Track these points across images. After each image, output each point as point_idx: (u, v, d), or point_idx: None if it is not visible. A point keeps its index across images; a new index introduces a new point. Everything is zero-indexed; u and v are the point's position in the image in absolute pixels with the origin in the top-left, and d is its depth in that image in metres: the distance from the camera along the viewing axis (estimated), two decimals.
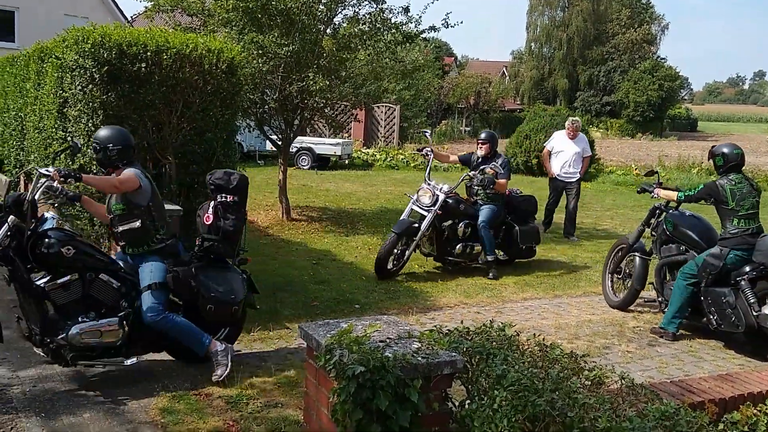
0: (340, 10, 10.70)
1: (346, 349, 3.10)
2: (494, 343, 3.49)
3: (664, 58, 56.73)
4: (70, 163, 6.12)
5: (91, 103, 6.07)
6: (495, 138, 9.02)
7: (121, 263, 4.93)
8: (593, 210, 14.41)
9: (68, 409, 4.40)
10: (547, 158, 11.38)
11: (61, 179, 4.49)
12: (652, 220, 7.17)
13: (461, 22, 11.50)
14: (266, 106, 10.87)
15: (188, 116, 6.51)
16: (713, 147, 6.58)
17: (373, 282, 7.89)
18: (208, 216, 5.07)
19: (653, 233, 7.15)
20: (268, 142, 12.70)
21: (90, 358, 4.72)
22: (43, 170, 4.62)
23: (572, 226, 11.21)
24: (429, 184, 8.35)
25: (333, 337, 3.24)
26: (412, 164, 21.71)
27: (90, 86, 6.04)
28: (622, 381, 3.36)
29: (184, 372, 5.07)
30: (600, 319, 7.02)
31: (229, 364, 4.85)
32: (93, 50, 5.93)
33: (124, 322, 4.74)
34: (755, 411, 3.78)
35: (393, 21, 10.82)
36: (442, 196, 8.18)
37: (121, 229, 4.86)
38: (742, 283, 5.98)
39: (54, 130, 6.75)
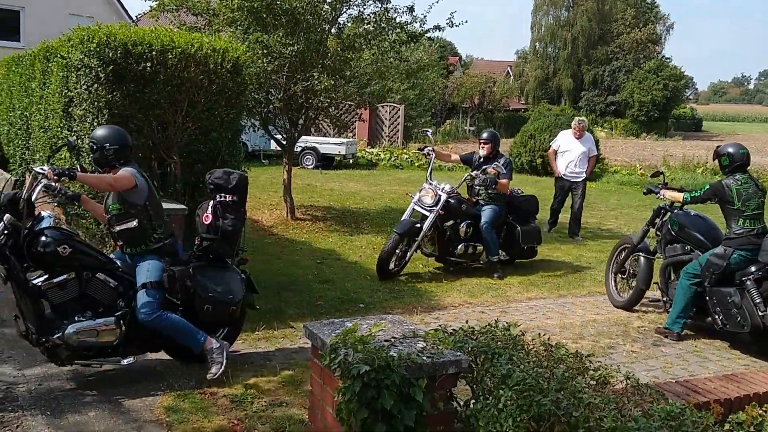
0: (344, 10, 10.71)
1: (351, 348, 3.10)
2: (499, 343, 3.49)
3: (668, 58, 56.60)
4: (75, 161, 6.12)
5: (96, 103, 6.08)
6: (497, 138, 8.98)
7: (118, 262, 4.91)
8: (598, 210, 14.40)
9: (74, 408, 4.42)
10: (553, 157, 11.37)
11: (55, 177, 4.48)
12: (657, 221, 7.15)
13: (466, 22, 11.48)
14: (271, 106, 10.88)
15: (193, 116, 6.52)
16: (718, 147, 6.57)
17: (377, 281, 7.89)
18: (207, 215, 5.04)
19: (658, 233, 7.14)
20: (272, 141, 12.71)
21: (86, 358, 4.70)
22: (37, 168, 4.61)
23: (577, 226, 11.19)
24: (431, 184, 8.32)
25: (338, 336, 3.25)
26: (416, 164, 21.70)
27: (95, 85, 6.05)
28: (628, 381, 3.36)
29: (189, 371, 5.07)
30: (604, 318, 7.01)
31: (224, 362, 4.82)
32: (98, 49, 5.94)
33: (121, 322, 4.71)
34: (761, 411, 3.77)
35: (397, 20, 10.83)
36: (444, 196, 8.14)
37: (118, 228, 4.84)
38: (748, 283, 5.97)
39: (59, 129, 6.76)
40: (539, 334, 3.79)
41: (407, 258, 8.13)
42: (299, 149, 19.19)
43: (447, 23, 11.17)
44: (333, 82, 10.18)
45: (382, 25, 10.63)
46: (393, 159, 22.33)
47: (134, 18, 26.44)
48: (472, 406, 3.22)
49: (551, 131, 19.23)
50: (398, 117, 27.13)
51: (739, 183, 6.18)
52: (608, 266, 7.71)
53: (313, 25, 10.10)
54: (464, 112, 46.83)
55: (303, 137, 12.60)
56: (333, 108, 11.78)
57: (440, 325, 3.71)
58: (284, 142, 11.48)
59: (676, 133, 53.38)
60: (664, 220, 7.05)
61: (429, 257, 8.64)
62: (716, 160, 6.52)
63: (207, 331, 5.11)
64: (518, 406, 2.92)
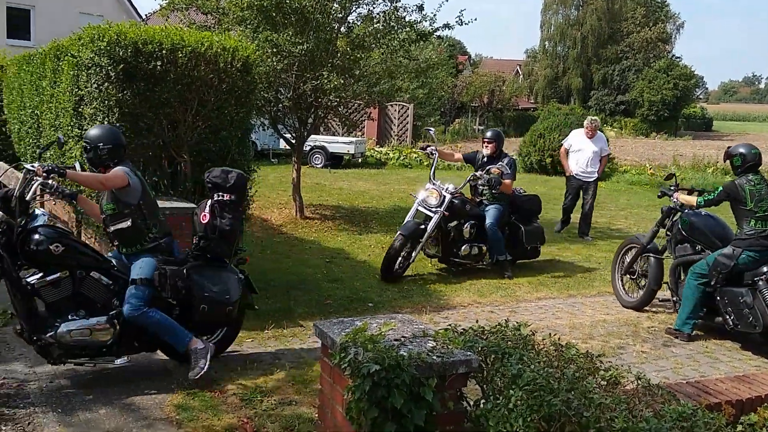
0: (354, 9, 10.71)
1: (361, 347, 3.09)
2: (509, 343, 3.48)
3: (679, 57, 56.30)
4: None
5: (106, 101, 6.09)
6: (501, 137, 8.89)
7: (114, 261, 4.90)
8: (607, 209, 14.35)
9: (84, 406, 4.44)
10: (564, 156, 11.33)
11: (44, 174, 4.47)
12: (667, 221, 7.12)
13: (475, 19, 11.45)
14: (280, 105, 10.89)
15: (203, 114, 6.53)
16: (729, 148, 6.54)
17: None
18: (205, 215, 5.00)
19: (668, 233, 7.11)
20: (281, 140, 12.72)
21: (80, 357, 4.68)
22: (28, 165, 4.60)
23: (587, 226, 11.16)
24: (434, 184, 8.23)
25: (348, 335, 3.24)
26: (425, 163, 21.67)
27: (106, 84, 6.06)
28: (638, 381, 3.34)
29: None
30: (614, 319, 6.99)
31: (207, 363, 4.74)
32: (109, 48, 5.96)
33: (115, 321, 4.69)
34: None
35: (407, 19, 10.81)
36: (448, 197, 8.06)
37: (112, 228, 4.82)
38: (760, 283, 5.94)
39: (70, 128, 6.79)
40: (549, 334, 3.78)
41: (411, 259, 8.08)
42: (308, 148, 19.21)
43: (456, 21, 11.15)
44: (342, 81, 10.18)
45: (392, 24, 10.62)
46: (402, 158, 22.32)
47: (144, 17, 26.55)
48: (482, 405, 3.21)
49: (560, 130, 19.19)
50: (407, 116, 27.13)
51: (753, 184, 6.14)
52: (614, 266, 7.69)
53: (322, 24, 10.11)
54: (473, 111, 46.77)
55: (312, 136, 12.61)
56: (342, 107, 11.78)
57: (450, 325, 3.70)
58: (293, 141, 11.49)
59: (686, 132, 53.16)
60: (674, 220, 7.02)
61: (432, 258, 8.58)
62: (727, 161, 6.49)
63: (204, 331, 5.11)
64: (528, 406, 2.91)
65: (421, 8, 10.91)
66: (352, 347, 3.11)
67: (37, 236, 4.52)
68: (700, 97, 76.93)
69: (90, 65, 6.15)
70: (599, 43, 54.51)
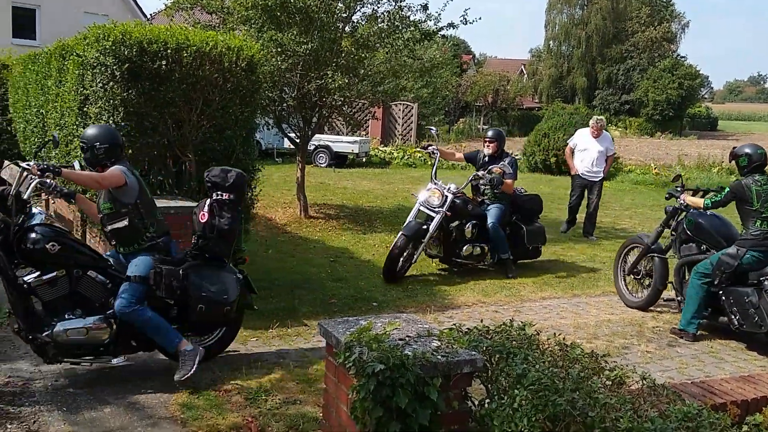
0: (358, 8, 10.70)
1: (365, 346, 3.09)
2: (514, 342, 3.48)
3: (684, 57, 56.18)
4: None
5: (111, 101, 6.10)
6: (502, 136, 8.85)
7: (112, 261, 4.88)
8: (612, 209, 14.33)
9: (89, 404, 4.45)
10: (569, 155, 11.31)
11: (38, 173, 4.47)
12: (672, 222, 7.10)
13: (479, 19, 11.43)
14: (285, 104, 10.90)
15: (208, 114, 6.53)
16: (735, 148, 6.52)
17: None
18: (204, 214, 4.98)
19: (673, 233, 7.10)
20: (286, 139, 12.73)
21: (76, 356, 4.67)
22: (24, 164, 4.60)
23: (592, 226, 11.14)
24: (436, 184, 8.18)
25: (352, 334, 3.25)
26: (429, 162, 21.63)
27: (111, 83, 6.07)
28: (644, 381, 3.33)
29: (204, 368, 5.08)
30: (619, 318, 6.98)
31: (195, 366, 4.71)
32: (114, 48, 5.96)
33: (112, 320, 4.67)
34: None
35: (411, 19, 10.81)
36: (450, 197, 8.01)
37: (110, 227, 4.82)
38: (766, 283, 5.93)
39: (75, 127, 6.80)
40: (554, 333, 3.77)
41: (414, 260, 8.04)
42: (312, 147, 19.22)
43: (461, 20, 11.14)
44: (347, 81, 10.18)
45: (396, 23, 10.61)
46: (406, 158, 22.31)
47: (149, 16, 26.58)
48: (486, 405, 3.21)
49: (565, 130, 19.16)
50: (411, 115, 27.11)
51: (759, 184, 6.13)
52: (616, 267, 7.68)
53: (327, 23, 10.11)
54: (478, 111, 46.73)
55: (316, 135, 12.63)
56: (346, 106, 11.78)
57: (454, 324, 3.70)
58: (298, 141, 11.50)
59: (691, 132, 53.02)
60: (679, 220, 7.01)
61: (433, 259, 8.54)
62: (733, 162, 6.47)
63: (202, 331, 5.11)
64: (533, 406, 2.91)
65: (425, 7, 10.89)
66: (357, 346, 3.11)
67: (33, 235, 4.51)
68: (705, 96, 76.73)
69: (95, 64, 6.16)
70: (604, 42, 54.38)
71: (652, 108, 49.69)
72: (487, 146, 8.64)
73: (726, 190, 6.38)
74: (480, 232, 8.30)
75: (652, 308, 7.26)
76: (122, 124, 5.97)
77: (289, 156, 20.48)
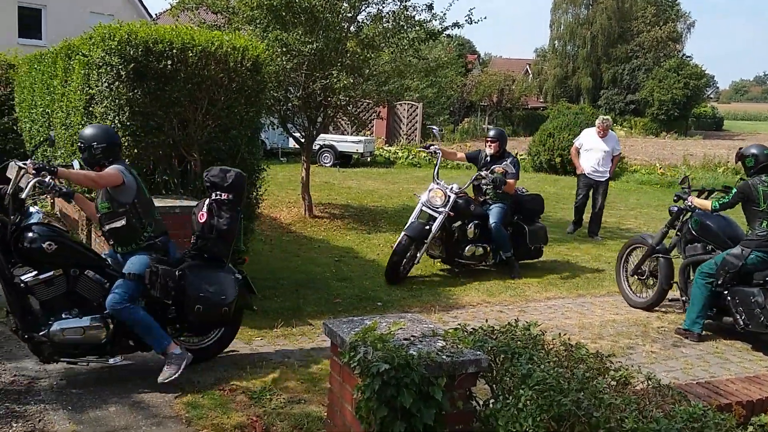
0: (363, 8, 10.71)
1: (370, 346, 3.10)
2: (519, 343, 3.47)
3: (689, 56, 55.97)
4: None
5: (117, 100, 6.12)
6: (504, 136, 8.80)
7: (110, 260, 4.88)
8: (617, 209, 14.30)
9: (94, 403, 4.46)
10: (575, 155, 11.30)
11: (33, 172, 4.46)
12: (677, 222, 7.09)
13: (484, 18, 11.43)
14: (290, 104, 10.91)
15: (213, 113, 6.54)
16: (741, 149, 6.51)
17: None
18: (202, 214, 4.96)
19: (678, 233, 7.09)
20: (291, 139, 12.73)
21: (72, 356, 4.67)
22: (20, 163, 4.59)
23: (597, 226, 11.13)
24: (438, 184, 8.14)
25: (357, 334, 3.25)
26: (433, 162, 21.65)
27: (116, 83, 6.09)
28: (649, 382, 3.33)
29: (209, 367, 5.11)
30: (624, 319, 6.97)
31: (180, 371, 4.68)
32: (120, 47, 5.97)
33: (109, 320, 4.66)
34: None
35: (416, 18, 10.81)
36: (453, 197, 7.97)
37: (107, 227, 4.81)
38: None
39: (80, 126, 6.80)
40: (559, 333, 3.77)
41: (416, 260, 7.98)
42: (317, 147, 19.23)
43: (466, 20, 11.13)
44: (352, 81, 10.19)
45: (401, 23, 10.61)
46: (411, 157, 22.31)
47: (154, 16, 26.64)
48: (491, 405, 3.21)
49: (570, 130, 19.15)
50: (416, 115, 27.11)
51: (766, 185, 6.12)
52: (618, 267, 7.66)
53: (332, 23, 10.11)
54: (482, 111, 46.68)
55: (321, 135, 12.63)
56: (351, 106, 11.78)
57: (459, 324, 3.70)
58: (302, 140, 11.50)
59: (697, 132, 52.89)
60: (684, 220, 6.99)
61: (435, 260, 8.50)
62: (740, 162, 6.46)
63: (200, 331, 5.10)
64: (538, 406, 2.91)
65: (430, 7, 10.90)
66: (362, 346, 3.12)
67: (30, 234, 4.50)
68: (711, 96, 76.41)
69: (101, 64, 6.18)
70: (609, 42, 54.27)
71: (657, 108, 49.57)
72: (489, 146, 8.60)
73: (733, 191, 6.36)
74: (482, 232, 8.26)
75: (656, 308, 7.25)
76: (128, 123, 5.96)
77: (294, 155, 20.49)
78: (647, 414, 2.92)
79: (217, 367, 5.12)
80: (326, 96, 10.57)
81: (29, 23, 25.32)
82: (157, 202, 5.98)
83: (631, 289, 7.51)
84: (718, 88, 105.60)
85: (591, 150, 10.99)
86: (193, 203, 6.08)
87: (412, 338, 3.33)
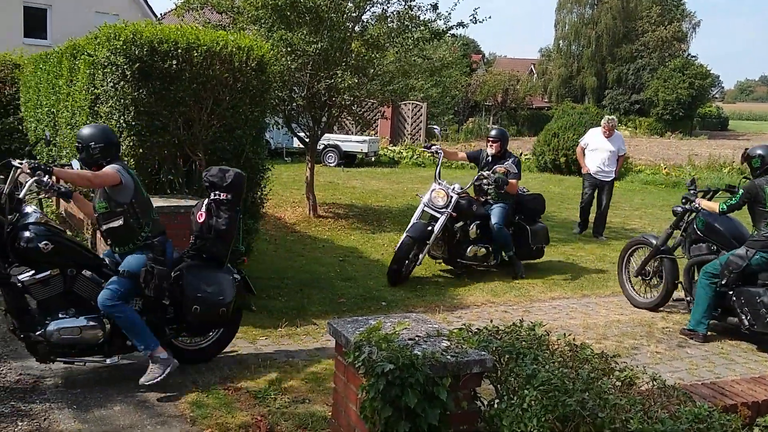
0: (368, 8, 10.71)
1: (375, 346, 3.10)
2: (524, 343, 3.47)
3: (694, 56, 55.92)
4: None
5: (122, 100, 6.13)
6: (506, 136, 8.76)
7: (107, 260, 4.87)
8: (622, 209, 14.28)
9: (99, 402, 4.47)
10: (581, 155, 11.28)
11: (28, 171, 4.45)
12: (681, 223, 7.06)
13: (489, 17, 11.40)
14: (294, 104, 10.92)
15: (218, 113, 6.55)
16: (747, 150, 6.50)
17: None
18: (201, 214, 4.95)
19: (683, 234, 7.07)
20: (295, 139, 12.74)
21: (69, 356, 4.66)
22: (15, 162, 4.59)
23: (602, 226, 11.11)
24: (440, 184, 8.10)
25: (362, 334, 3.25)
26: (444, 161, 21.61)
27: (121, 83, 6.10)
28: (654, 382, 3.32)
29: (214, 367, 5.11)
30: (628, 319, 6.96)
31: (163, 376, 4.66)
32: (125, 47, 5.99)
33: (105, 320, 4.66)
34: None
35: (421, 18, 10.80)
36: (455, 197, 7.92)
37: (105, 227, 4.81)
38: None
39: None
40: (564, 334, 3.76)
41: (418, 262, 7.91)
42: (321, 147, 19.25)
43: (470, 19, 11.12)
44: (356, 80, 10.19)
45: (406, 23, 10.61)
46: (415, 157, 22.31)
47: (159, 16, 26.67)
48: (496, 405, 3.21)
49: (575, 129, 19.12)
50: (421, 115, 27.11)
51: None
52: (620, 267, 7.64)
53: (336, 23, 10.12)
54: (487, 110, 46.63)
55: (325, 135, 12.64)
56: (356, 106, 11.79)
57: (464, 324, 3.70)
58: (307, 140, 11.51)
59: (702, 132, 52.74)
60: (689, 220, 6.97)
61: (436, 260, 8.46)
62: (745, 163, 6.45)
63: (198, 331, 5.08)
64: (543, 407, 2.91)
65: (435, 7, 10.90)
66: (367, 346, 3.12)
67: (27, 234, 4.48)
68: (716, 96, 76.16)
69: (106, 64, 6.19)
70: (614, 42, 54.15)
71: (662, 108, 49.45)
72: (491, 146, 8.55)
73: (740, 193, 6.34)
74: (484, 232, 8.20)
75: (661, 309, 7.24)
76: (133, 123, 5.96)
77: (299, 155, 20.52)
78: (652, 415, 2.92)
79: (222, 367, 5.12)
80: (331, 96, 10.58)
81: (34, 23, 25.39)
82: (162, 202, 6.01)
83: (634, 290, 7.50)
84: (723, 88, 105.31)
85: (596, 150, 10.97)
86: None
87: (416, 338, 3.33)
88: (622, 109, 52.43)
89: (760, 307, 5.96)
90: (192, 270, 4.90)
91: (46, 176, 4.52)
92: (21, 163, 4.54)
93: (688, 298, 6.85)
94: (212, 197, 4.97)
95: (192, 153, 6.61)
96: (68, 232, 6.86)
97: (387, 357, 2.99)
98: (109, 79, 6.19)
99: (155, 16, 27.22)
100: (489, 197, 8.45)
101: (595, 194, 11.08)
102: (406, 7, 10.68)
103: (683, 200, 7.04)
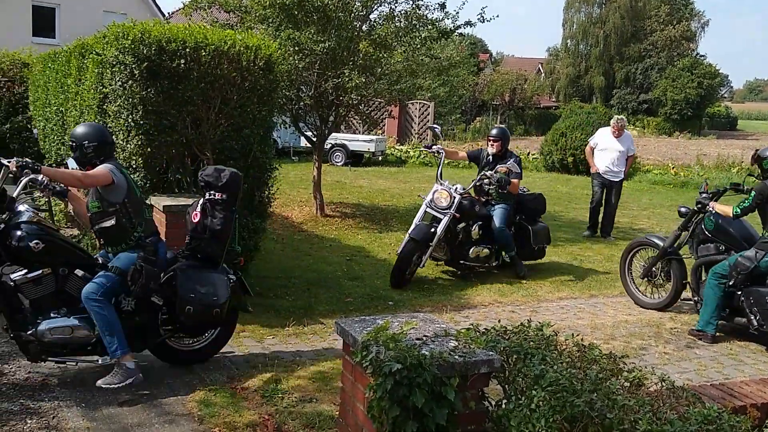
0: (376, 7, 10.70)
1: (382, 345, 3.09)
2: (532, 343, 3.46)
3: (703, 55, 55.66)
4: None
5: (130, 99, 6.14)
6: (507, 135, 8.66)
7: (101, 260, 4.84)
8: (630, 209, 14.23)
9: (107, 400, 4.48)
10: (590, 154, 11.25)
11: (15, 170, 4.44)
12: (689, 225, 7.03)
13: (497, 16, 11.36)
14: (302, 103, 10.92)
15: (226, 112, 6.56)
16: (758, 150, 6.45)
17: None
18: (196, 213, 4.91)
19: (690, 234, 7.03)
20: (302, 138, 12.75)
21: (61, 355, 4.64)
22: (4, 161, 4.58)
23: (610, 226, 11.08)
24: (443, 185, 8.04)
25: (369, 333, 3.24)
26: (445, 161, 21.59)
27: (130, 82, 6.11)
28: (662, 383, 3.31)
29: (221, 366, 5.12)
30: (636, 319, 6.93)
31: (121, 385, 4.58)
32: (133, 46, 5.99)
33: None
34: None
35: (429, 17, 10.79)
36: (458, 198, 7.85)
37: (97, 227, 4.79)
38: None
39: None
40: (572, 334, 3.75)
41: (422, 264, 7.84)
42: (329, 146, 19.25)
43: (478, 18, 11.10)
44: (364, 80, 10.18)
45: (413, 22, 10.60)
46: (422, 156, 22.29)
47: (167, 15, 26.74)
48: (503, 406, 3.20)
49: (582, 129, 19.08)
50: (428, 114, 27.10)
51: None
52: (623, 268, 7.59)
53: (344, 22, 10.11)
54: (494, 110, 46.55)
55: (333, 134, 12.63)
56: (363, 105, 11.79)
57: (471, 324, 3.69)
58: (314, 139, 11.52)
59: (710, 131, 52.54)
60: (697, 220, 6.94)
61: (438, 261, 8.39)
62: (756, 165, 6.41)
63: (192, 332, 5.05)
64: (551, 407, 2.90)
65: (443, 6, 10.88)
66: (374, 346, 3.11)
67: (18, 233, 4.48)
68: (725, 95, 75.87)
69: (114, 63, 6.20)
70: (622, 41, 53.99)
71: (670, 107, 49.27)
72: (492, 145, 8.46)
73: (752, 195, 6.29)
74: (486, 232, 8.13)
75: (669, 309, 7.21)
76: (141, 122, 5.95)
77: (306, 154, 20.53)
78: (661, 416, 2.91)
79: (229, 366, 5.13)
80: (338, 95, 10.58)
81: (43, 22, 25.50)
82: (170, 201, 6.03)
83: (639, 290, 7.46)
84: (732, 87, 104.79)
85: (606, 150, 10.93)
86: None
87: (424, 338, 3.32)
88: (630, 108, 52.26)
89: None
90: (186, 270, 4.85)
91: (33, 174, 4.51)
92: (8, 162, 4.51)
93: (696, 299, 6.83)
94: (207, 197, 4.93)
95: (200, 152, 6.61)
96: (75, 231, 6.91)
97: (395, 357, 2.99)
98: (117, 78, 6.21)
99: (163, 15, 27.30)
100: (490, 197, 8.40)
101: (604, 194, 11.03)
102: (414, 6, 10.67)
103: (698, 205, 6.94)
